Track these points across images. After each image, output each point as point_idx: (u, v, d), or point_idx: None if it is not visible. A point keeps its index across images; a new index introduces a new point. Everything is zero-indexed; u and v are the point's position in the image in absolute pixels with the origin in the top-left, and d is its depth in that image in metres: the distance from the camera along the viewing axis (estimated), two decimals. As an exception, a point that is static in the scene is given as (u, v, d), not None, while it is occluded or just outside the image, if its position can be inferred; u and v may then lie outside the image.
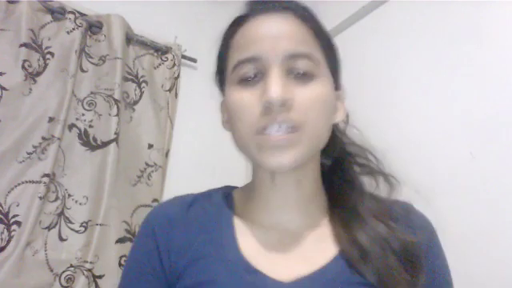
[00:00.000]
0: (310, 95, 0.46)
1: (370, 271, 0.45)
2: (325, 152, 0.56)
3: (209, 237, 0.51)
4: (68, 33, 1.36)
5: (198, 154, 1.57)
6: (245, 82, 0.48)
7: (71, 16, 1.38)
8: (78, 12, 1.40)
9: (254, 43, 0.47)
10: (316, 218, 0.54)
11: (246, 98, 0.47)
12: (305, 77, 0.47)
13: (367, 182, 0.56)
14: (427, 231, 0.52)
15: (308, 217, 0.53)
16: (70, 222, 1.25)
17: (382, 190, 0.55)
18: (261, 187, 0.54)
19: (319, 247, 0.50)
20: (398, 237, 0.47)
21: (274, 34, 0.47)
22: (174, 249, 0.51)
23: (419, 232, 0.49)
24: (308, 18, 0.50)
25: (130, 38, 1.50)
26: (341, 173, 0.57)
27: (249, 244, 0.50)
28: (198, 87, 1.55)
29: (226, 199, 0.57)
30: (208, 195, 0.58)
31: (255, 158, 0.48)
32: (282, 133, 0.45)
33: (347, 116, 0.59)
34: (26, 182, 1.20)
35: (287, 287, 0.45)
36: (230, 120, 0.51)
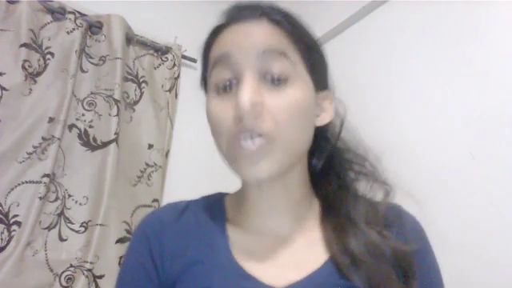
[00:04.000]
0: (282, 101, 0.45)
1: (360, 277, 0.45)
2: (314, 154, 0.57)
3: (202, 243, 0.52)
4: (68, 33, 1.36)
5: (198, 154, 1.57)
6: (222, 90, 0.48)
7: (71, 16, 1.38)
8: (78, 12, 1.40)
9: (226, 48, 0.47)
10: (307, 223, 0.54)
11: (221, 109, 0.47)
12: (279, 81, 0.46)
13: (361, 185, 0.56)
14: (416, 233, 0.52)
15: (298, 222, 0.53)
16: (70, 222, 1.25)
17: (375, 195, 0.55)
18: (249, 194, 0.54)
19: (310, 252, 0.50)
20: (390, 244, 0.47)
21: (246, 38, 0.46)
22: (168, 254, 0.52)
23: (410, 235, 0.49)
24: (283, 21, 0.48)
25: (130, 38, 1.50)
26: (334, 176, 0.57)
27: (241, 249, 0.51)
28: (197, 87, 1.55)
29: (217, 205, 0.57)
30: (200, 202, 0.59)
31: (232, 169, 0.48)
32: (253, 142, 0.44)
33: (343, 118, 0.58)
34: (26, 182, 1.20)
35: None
36: (210, 130, 0.51)
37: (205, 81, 0.55)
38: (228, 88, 0.47)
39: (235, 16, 0.49)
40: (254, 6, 0.49)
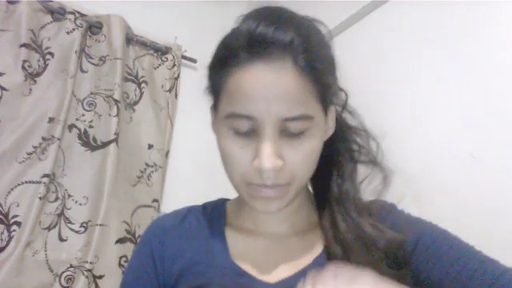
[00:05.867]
0: (301, 154, 0.46)
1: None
2: None
3: (201, 244, 0.55)
4: (68, 33, 1.36)
5: (198, 154, 1.57)
6: (238, 132, 0.47)
7: (71, 16, 1.38)
8: (78, 12, 1.40)
9: (248, 101, 0.45)
10: (303, 225, 0.57)
11: (238, 152, 0.47)
12: (298, 134, 0.46)
13: (361, 170, 0.57)
14: (413, 226, 0.52)
15: (295, 224, 0.57)
16: (70, 223, 1.25)
17: (374, 179, 0.56)
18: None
19: (305, 250, 0.53)
20: (383, 235, 0.49)
21: (269, 95, 0.44)
22: (169, 256, 0.55)
23: (405, 229, 0.50)
24: (308, 58, 0.45)
25: (129, 39, 1.50)
26: (334, 163, 0.57)
27: (238, 250, 0.54)
28: (197, 88, 1.55)
29: (218, 210, 0.61)
30: (203, 207, 0.62)
31: (245, 200, 0.51)
32: (270, 190, 0.47)
33: (344, 103, 0.58)
34: (26, 182, 1.20)
35: (273, 287, 0.49)
36: (221, 158, 0.51)
37: (213, 93, 0.54)
38: (245, 133, 0.47)
39: (257, 49, 0.44)
40: (280, 36, 0.44)
